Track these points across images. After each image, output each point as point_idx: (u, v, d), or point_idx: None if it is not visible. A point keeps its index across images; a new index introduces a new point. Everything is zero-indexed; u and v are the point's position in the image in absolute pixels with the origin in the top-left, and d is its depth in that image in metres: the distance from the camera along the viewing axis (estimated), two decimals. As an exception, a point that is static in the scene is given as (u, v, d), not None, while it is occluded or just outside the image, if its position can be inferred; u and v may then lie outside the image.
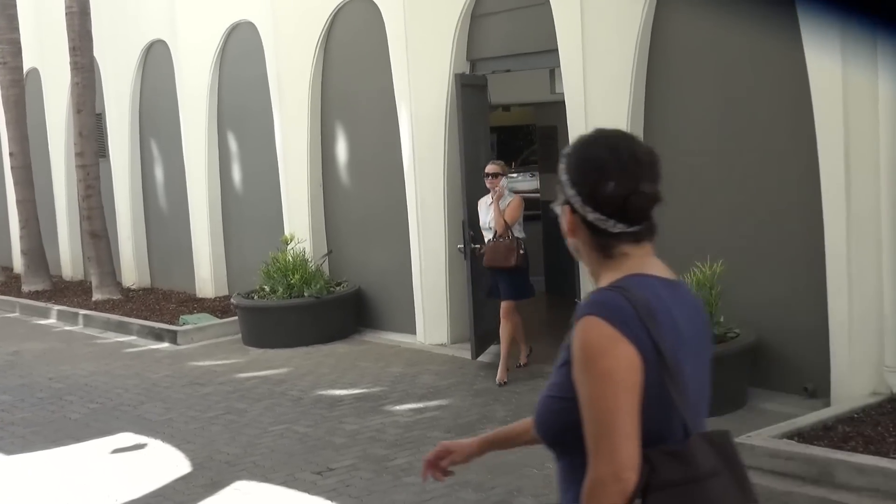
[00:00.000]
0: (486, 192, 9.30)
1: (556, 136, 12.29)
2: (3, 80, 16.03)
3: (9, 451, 8.15)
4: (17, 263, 17.77)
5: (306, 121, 12.12)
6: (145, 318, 12.99)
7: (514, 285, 9.21)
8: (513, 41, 10.10)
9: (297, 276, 11.43)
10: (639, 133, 8.67)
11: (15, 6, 16.02)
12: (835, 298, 7.48)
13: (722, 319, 7.91)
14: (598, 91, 8.94)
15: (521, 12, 9.86)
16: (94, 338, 12.93)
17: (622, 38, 8.73)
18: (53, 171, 17.36)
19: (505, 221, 9.07)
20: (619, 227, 2.42)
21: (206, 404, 9.14)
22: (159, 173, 15.36)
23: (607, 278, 2.45)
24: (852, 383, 7.41)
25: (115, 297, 14.48)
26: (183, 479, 7.14)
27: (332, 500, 6.50)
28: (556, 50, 9.26)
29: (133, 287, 15.46)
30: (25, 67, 16.60)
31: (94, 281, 14.67)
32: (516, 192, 9.92)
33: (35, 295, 15.71)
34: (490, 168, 9.27)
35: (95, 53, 14.78)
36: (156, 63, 14.97)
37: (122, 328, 12.96)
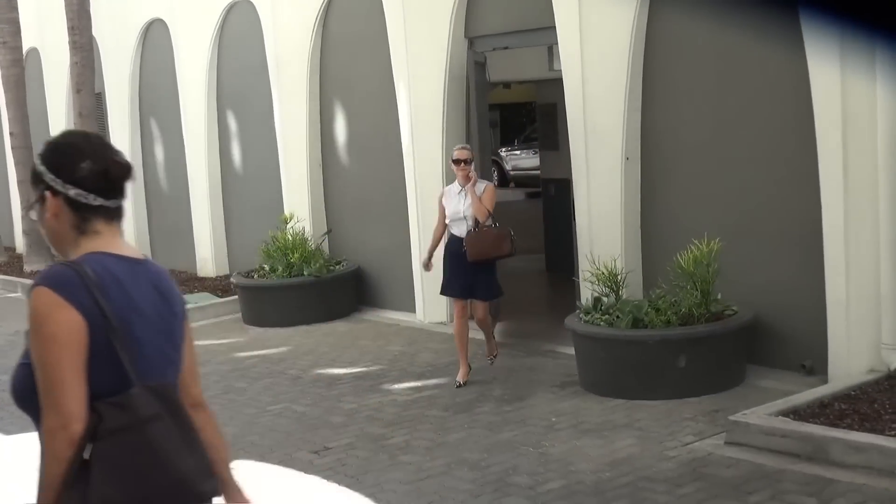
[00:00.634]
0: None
1: (556, 113, 12.24)
2: (2, 60, 15.99)
3: (8, 432, 8.18)
4: (20, 243, 17.79)
5: (305, 100, 12.09)
6: (146, 298, 12.98)
7: (493, 283, 8.44)
8: (511, 18, 10.04)
9: (296, 255, 11.43)
10: (637, 109, 8.66)
11: (14, -15, 15.98)
12: (832, 276, 7.47)
13: (720, 297, 7.91)
14: (596, 68, 8.90)
15: (518, -11, 9.82)
16: (96, 317, 12.96)
17: (619, 14, 8.68)
18: (54, 151, 17.35)
19: (487, 209, 8.23)
20: (98, 201, 2.77)
21: (205, 384, 9.00)
22: (160, 153, 15.35)
23: (73, 257, 2.79)
24: (850, 361, 7.40)
25: (117, 277, 14.47)
26: (180, 459, 7.15)
27: (328, 480, 6.51)
28: (554, 27, 9.22)
29: (135, 266, 15.45)
30: (25, 47, 16.56)
31: (96, 260, 14.67)
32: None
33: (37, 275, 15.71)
34: (461, 153, 8.36)
35: (94, 33, 14.72)
36: (155, 42, 14.93)
37: (123, 308, 12.96)
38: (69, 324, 2.64)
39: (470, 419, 7.54)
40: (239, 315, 11.79)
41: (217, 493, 2.88)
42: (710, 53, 8.35)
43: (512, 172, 26.69)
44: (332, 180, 12.23)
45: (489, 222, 8.27)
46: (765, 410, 6.70)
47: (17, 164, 16.24)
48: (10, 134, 16.31)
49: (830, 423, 6.40)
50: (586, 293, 8.64)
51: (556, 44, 9.42)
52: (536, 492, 6.06)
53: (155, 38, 14.91)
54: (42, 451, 2.66)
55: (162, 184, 15.42)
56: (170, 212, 15.12)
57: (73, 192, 2.76)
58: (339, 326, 11.07)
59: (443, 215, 8.49)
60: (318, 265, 11.43)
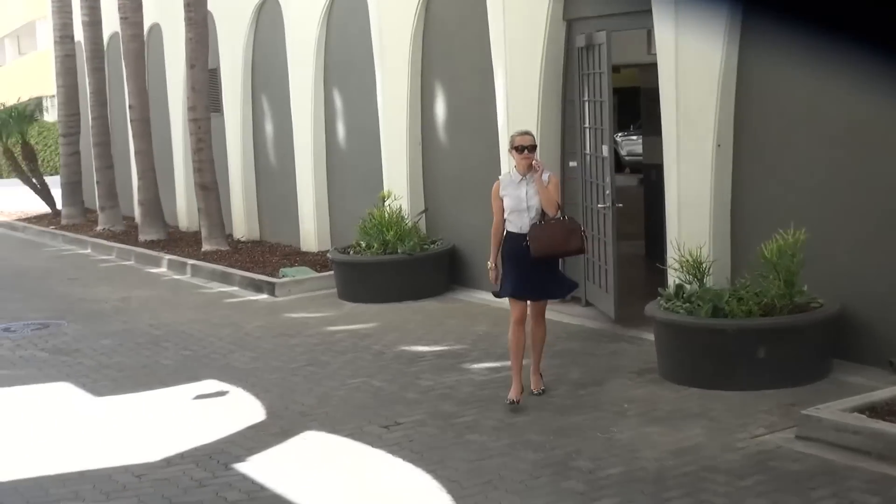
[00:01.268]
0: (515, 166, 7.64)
1: (658, 98, 12.04)
2: (123, 34, 16.50)
3: (100, 393, 8.49)
4: (138, 213, 18.33)
5: (406, 80, 12.18)
6: (248, 270, 13.30)
7: (564, 277, 7.92)
8: (609, 1, 9.93)
9: (392, 233, 11.55)
10: (731, 95, 8.48)
11: (136, -38, 16.45)
12: (922, 271, 7.23)
13: (805, 288, 7.72)
14: (690, 52, 8.75)
15: (617, -29, 9.69)
16: (199, 287, 13.32)
17: (716, -2, 8.50)
18: (172, 125, 17.85)
19: (557, 201, 7.47)
20: None
21: (292, 356, 9.34)
22: (269, 128, 15.65)
23: None
24: (937, 359, 7.16)
25: (222, 249, 14.85)
26: (255, 427, 7.33)
27: (393, 454, 6.59)
28: (650, 10, 9.09)
29: (243, 239, 15.83)
30: (148, 23, 17.05)
31: (204, 232, 15.08)
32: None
33: (150, 244, 16.22)
34: (523, 140, 7.45)
35: (211, 8, 15.10)
36: (268, 19, 15.22)
37: (225, 279, 13.31)
38: None
39: (541, 401, 7.53)
40: (335, 290, 11.96)
41: None
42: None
43: (627, 158, 26.37)
44: (430, 159, 12.30)
45: (557, 215, 7.49)
46: (839, 406, 6.53)
47: (134, 136, 16.76)
48: (129, 107, 16.82)
49: (906, 423, 6.21)
50: (672, 280, 8.53)
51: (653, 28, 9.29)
52: (595, 476, 6.03)
53: (268, 15, 15.20)
54: None
55: (271, 159, 15.72)
56: (277, 186, 15.42)
57: None
58: (429, 305, 11.15)
59: (501, 210, 7.53)
60: (412, 243, 11.53)
